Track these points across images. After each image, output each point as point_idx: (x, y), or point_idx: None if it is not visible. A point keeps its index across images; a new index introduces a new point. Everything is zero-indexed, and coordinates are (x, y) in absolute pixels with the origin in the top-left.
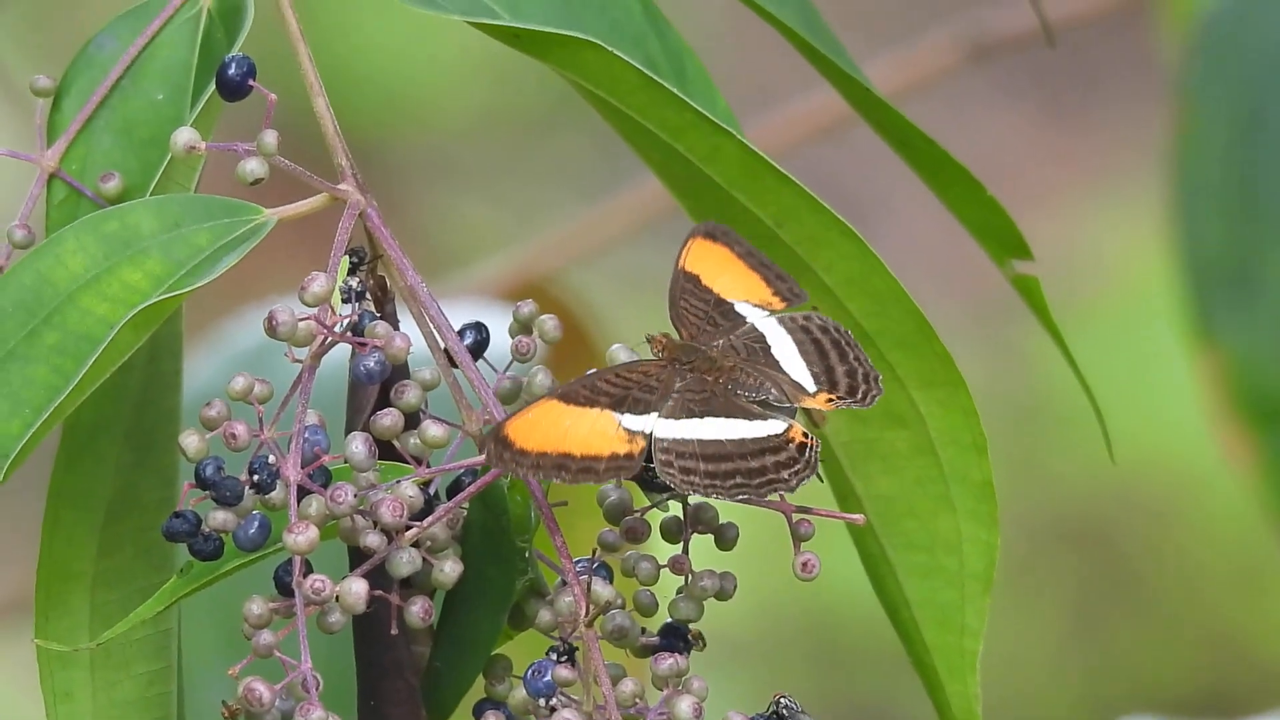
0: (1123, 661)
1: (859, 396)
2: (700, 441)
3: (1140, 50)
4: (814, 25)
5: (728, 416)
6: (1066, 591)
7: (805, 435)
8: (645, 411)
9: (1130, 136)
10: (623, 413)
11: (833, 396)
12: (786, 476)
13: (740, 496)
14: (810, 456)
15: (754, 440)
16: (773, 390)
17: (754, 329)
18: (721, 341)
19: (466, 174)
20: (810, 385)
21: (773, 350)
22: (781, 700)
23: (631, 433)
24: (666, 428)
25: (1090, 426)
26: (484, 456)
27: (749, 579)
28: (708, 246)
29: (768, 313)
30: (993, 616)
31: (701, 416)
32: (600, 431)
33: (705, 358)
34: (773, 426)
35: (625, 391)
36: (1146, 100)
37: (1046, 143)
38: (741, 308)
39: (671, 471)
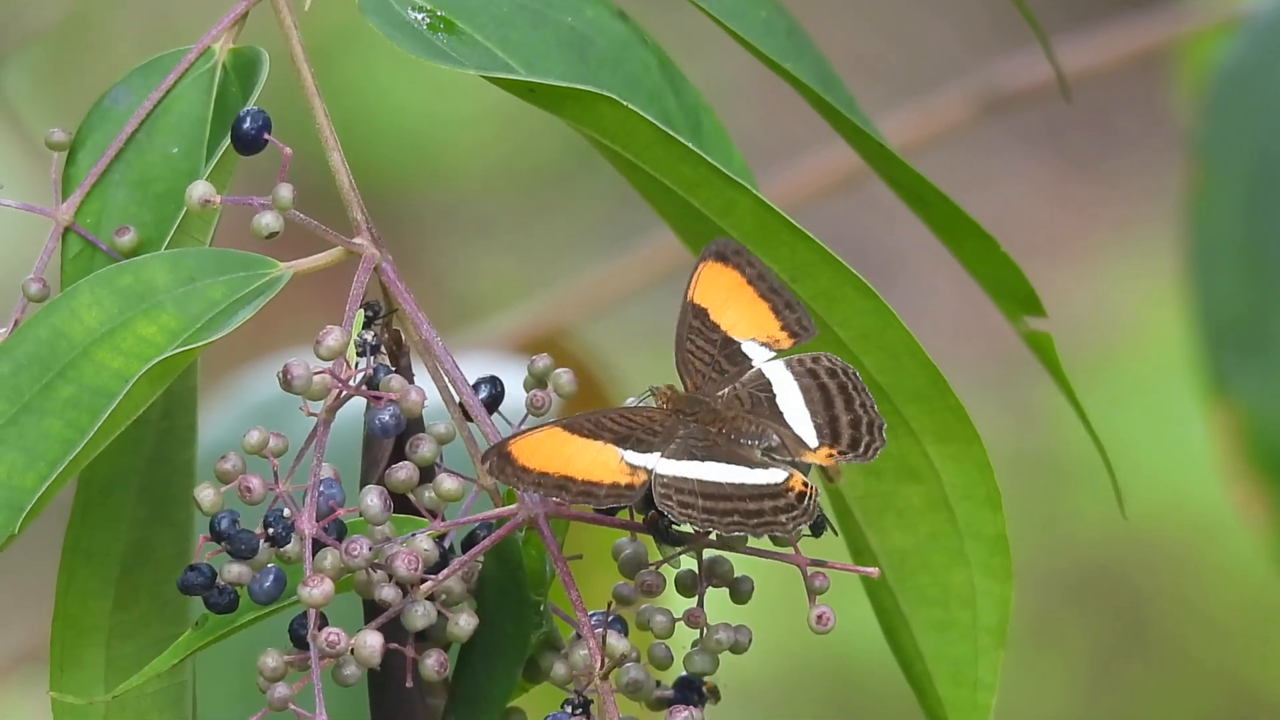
0: (1141, 711)
1: (861, 449)
2: (700, 481)
3: (1158, 101)
4: (829, 81)
5: (729, 463)
6: (1085, 642)
7: (805, 484)
8: (647, 451)
9: (1148, 187)
10: (625, 449)
11: (833, 451)
12: (784, 520)
13: (736, 533)
14: (809, 505)
15: (753, 486)
16: (775, 439)
17: (760, 376)
18: (726, 391)
19: (486, 227)
20: (813, 439)
21: (778, 399)
22: None
23: (633, 467)
24: (668, 466)
25: (1107, 480)
26: (485, 468)
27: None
28: (718, 271)
29: (774, 354)
30: (1012, 668)
31: (703, 460)
32: (602, 462)
33: (708, 409)
34: (773, 475)
35: (629, 431)
36: (1164, 151)
37: (1064, 193)
38: (748, 348)
39: (670, 504)
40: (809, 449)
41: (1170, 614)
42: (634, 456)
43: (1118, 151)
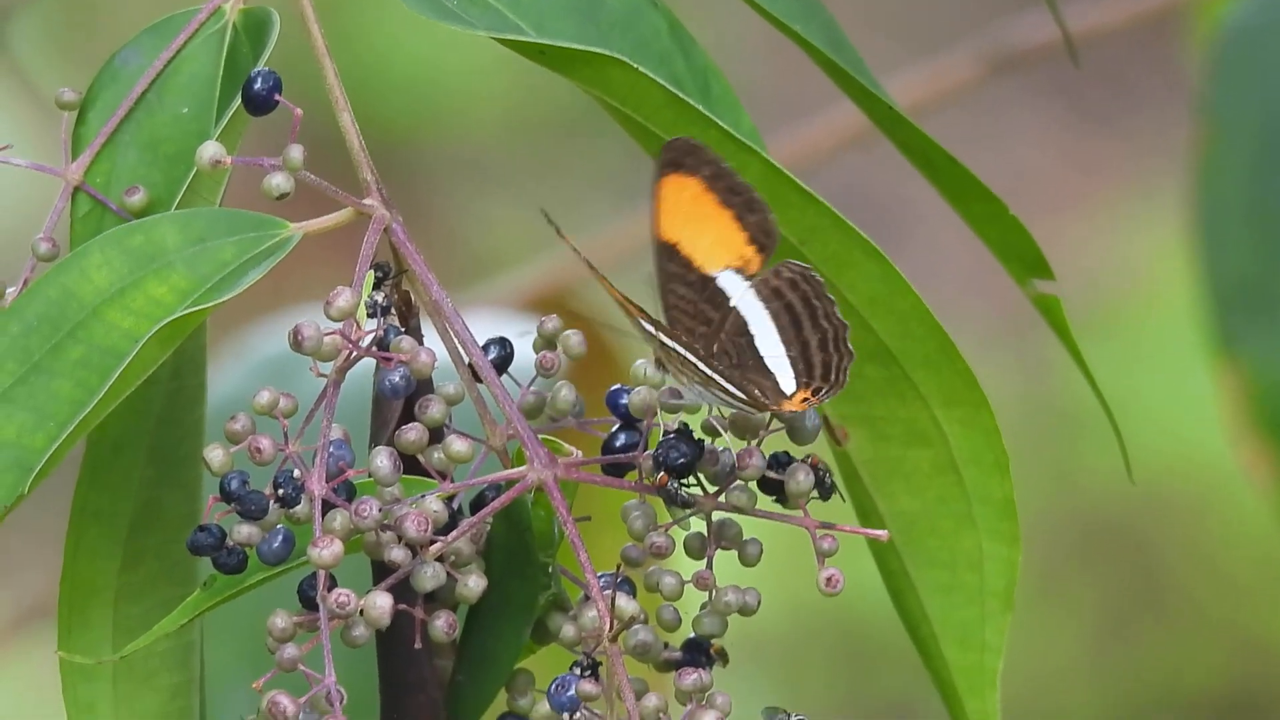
0: (1154, 667)
1: (832, 374)
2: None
3: (1170, 58)
4: (838, 43)
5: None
6: (1097, 598)
7: (800, 403)
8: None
9: (1162, 143)
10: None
11: (808, 395)
12: (763, 416)
13: (721, 404)
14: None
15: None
16: (757, 394)
17: (738, 318)
18: (715, 348)
19: (497, 179)
20: (790, 383)
21: (755, 341)
22: None
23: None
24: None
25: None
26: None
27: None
28: (678, 185)
29: (746, 281)
30: (1023, 626)
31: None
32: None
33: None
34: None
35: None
36: (1179, 108)
37: (1076, 149)
38: (725, 281)
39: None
40: (786, 398)
41: (1181, 568)
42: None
43: (1132, 108)
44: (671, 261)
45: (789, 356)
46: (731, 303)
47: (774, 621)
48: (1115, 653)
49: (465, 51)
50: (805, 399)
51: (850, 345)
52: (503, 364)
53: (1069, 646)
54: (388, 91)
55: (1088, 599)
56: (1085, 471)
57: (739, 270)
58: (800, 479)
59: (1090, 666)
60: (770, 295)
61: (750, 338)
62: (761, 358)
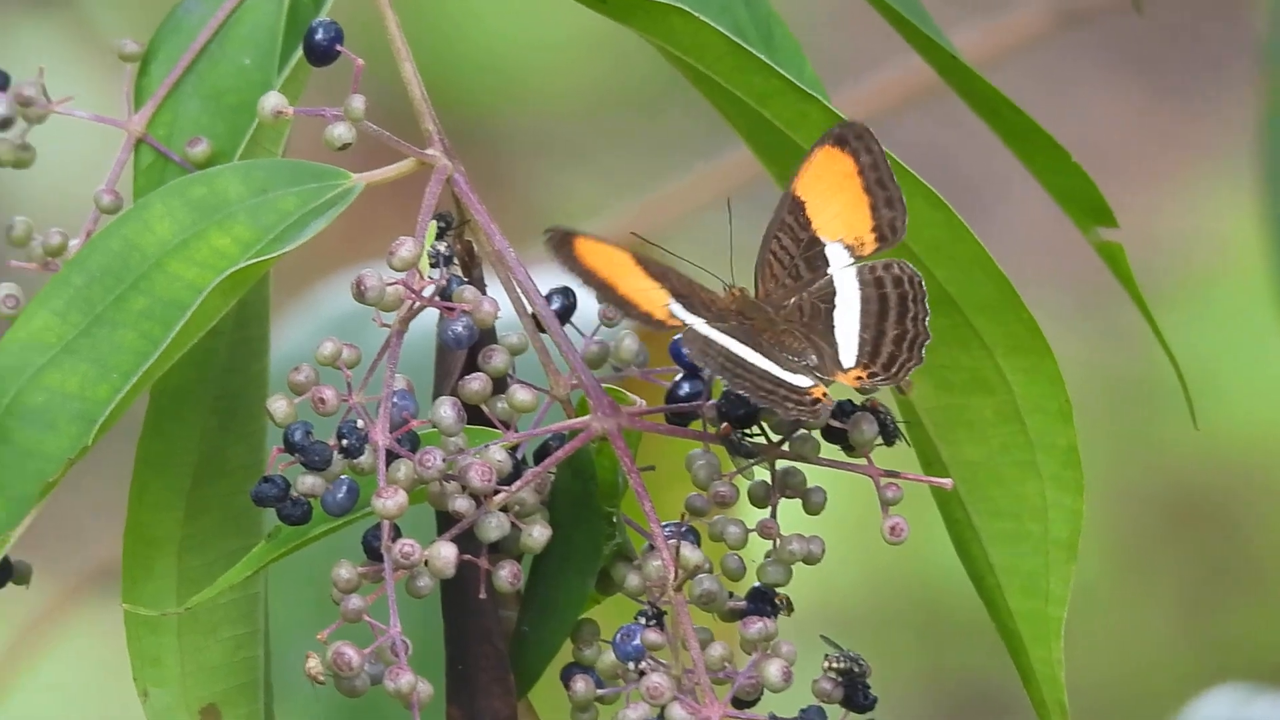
0: (1234, 635)
1: (894, 369)
2: (730, 352)
3: (1243, 17)
4: None
5: (764, 355)
6: (1178, 566)
7: (824, 395)
8: (694, 314)
9: (1233, 104)
10: (676, 302)
11: (863, 375)
12: (790, 407)
13: (742, 391)
14: (819, 410)
15: (777, 379)
16: (813, 358)
17: (829, 284)
18: (792, 301)
19: (570, 150)
20: (850, 359)
21: (835, 311)
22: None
23: (674, 315)
24: (706, 329)
25: (1201, 405)
26: (546, 239)
27: (854, 553)
28: (833, 157)
29: (853, 260)
30: (1102, 593)
31: (741, 343)
32: (649, 296)
33: (765, 318)
34: (800, 379)
35: (687, 294)
36: (1250, 69)
37: (1145, 112)
38: (832, 250)
39: (693, 350)
40: (841, 370)
41: (1267, 541)
42: (679, 310)
43: (1202, 70)
44: (791, 214)
45: (861, 336)
46: (828, 270)
47: (855, 598)
48: (1201, 629)
49: (538, 27)
50: (859, 377)
51: (924, 354)
52: (566, 313)
53: (1154, 623)
54: (462, 67)
55: (1169, 566)
56: (1168, 446)
57: (850, 248)
58: (864, 428)
59: (1176, 643)
60: (871, 281)
61: (832, 306)
62: (833, 326)
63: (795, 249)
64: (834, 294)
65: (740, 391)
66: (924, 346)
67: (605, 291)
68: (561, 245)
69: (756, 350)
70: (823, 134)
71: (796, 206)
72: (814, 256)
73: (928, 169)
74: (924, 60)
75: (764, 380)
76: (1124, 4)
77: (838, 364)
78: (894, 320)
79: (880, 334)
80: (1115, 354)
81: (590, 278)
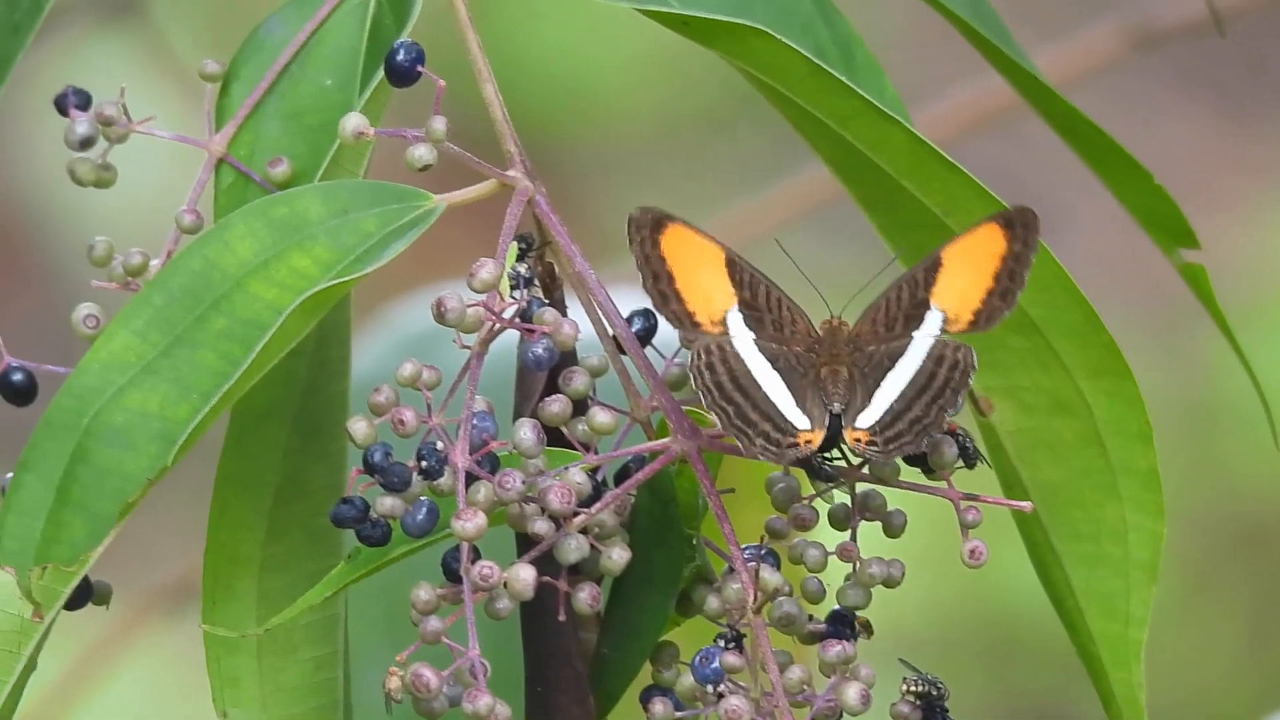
0: None
1: (890, 446)
2: (746, 372)
3: None
4: (982, 13)
5: (786, 386)
6: (1246, 592)
7: (807, 445)
8: (749, 326)
9: None
10: (739, 311)
11: (861, 440)
12: (760, 444)
13: (716, 415)
14: (792, 455)
15: (776, 410)
16: (839, 407)
17: (905, 345)
18: (871, 348)
19: (639, 172)
20: (868, 420)
21: (893, 371)
22: (925, 682)
23: (722, 324)
24: (740, 342)
25: (1265, 429)
26: (631, 220)
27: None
28: (993, 235)
29: (939, 330)
30: (1170, 616)
31: (771, 366)
32: (707, 300)
33: (834, 354)
34: (799, 420)
35: (762, 310)
36: None
37: (1214, 141)
38: (930, 315)
39: (694, 361)
40: (854, 427)
41: None
42: (735, 320)
43: (1273, 94)
44: (926, 271)
45: (893, 405)
46: (914, 332)
47: (927, 621)
48: (1269, 651)
49: (611, 47)
50: (858, 440)
51: (923, 443)
52: (646, 336)
53: (1222, 646)
54: (535, 88)
55: (1236, 591)
56: (1232, 469)
57: (945, 319)
58: (944, 451)
59: (1244, 665)
60: (935, 357)
61: (892, 367)
62: (879, 385)
63: (907, 303)
64: (902, 356)
65: (713, 415)
66: (925, 435)
67: (660, 280)
68: (652, 227)
69: (783, 378)
70: (999, 213)
71: (934, 266)
72: (915, 316)
73: (997, 191)
74: (1004, 80)
75: (752, 410)
76: (1196, 28)
77: (854, 420)
78: (925, 401)
79: (906, 410)
80: (1179, 377)
81: (656, 263)
